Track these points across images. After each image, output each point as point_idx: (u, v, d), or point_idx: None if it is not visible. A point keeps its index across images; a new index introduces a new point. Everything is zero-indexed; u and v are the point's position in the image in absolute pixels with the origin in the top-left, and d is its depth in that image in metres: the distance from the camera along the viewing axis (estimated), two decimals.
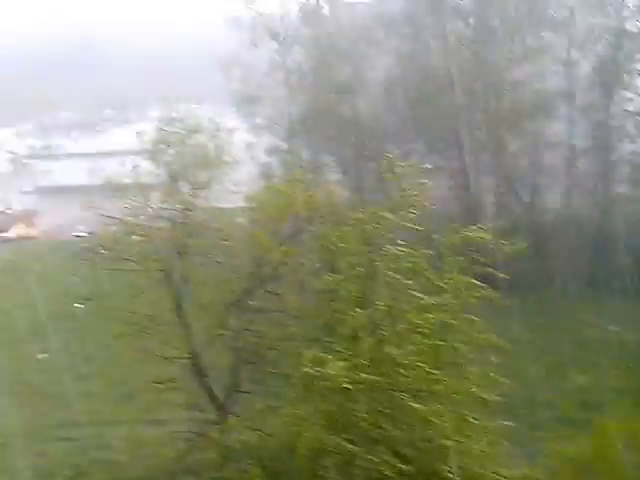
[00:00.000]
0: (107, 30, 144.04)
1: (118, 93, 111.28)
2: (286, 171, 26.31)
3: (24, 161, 73.39)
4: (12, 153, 77.78)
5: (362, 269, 12.97)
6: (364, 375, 11.01)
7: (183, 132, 15.41)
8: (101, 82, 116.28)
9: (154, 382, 16.66)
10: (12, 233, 46.58)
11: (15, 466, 19.60)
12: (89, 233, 38.30)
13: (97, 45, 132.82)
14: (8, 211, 49.92)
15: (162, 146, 15.09)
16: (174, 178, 15.13)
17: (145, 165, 15.58)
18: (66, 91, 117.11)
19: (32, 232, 47.32)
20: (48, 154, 72.94)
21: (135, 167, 15.34)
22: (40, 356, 26.93)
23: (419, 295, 11.95)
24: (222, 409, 15.49)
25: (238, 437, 14.42)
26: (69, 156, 65.92)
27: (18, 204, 52.07)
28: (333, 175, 36.28)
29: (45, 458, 20.05)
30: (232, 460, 14.10)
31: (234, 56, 34.54)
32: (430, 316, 11.64)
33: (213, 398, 15.58)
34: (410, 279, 12.20)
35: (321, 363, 11.34)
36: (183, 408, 17.31)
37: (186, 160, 15.57)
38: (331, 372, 10.79)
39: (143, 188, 15.37)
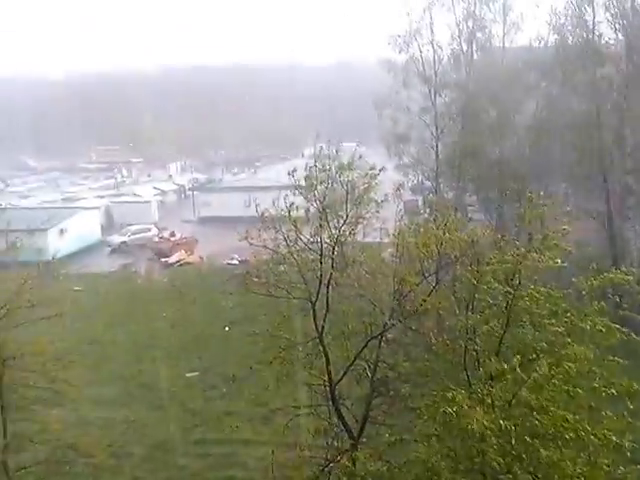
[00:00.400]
0: (272, 70, 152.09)
1: (278, 131, 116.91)
2: (430, 209, 26.51)
3: (188, 193, 78.74)
4: (178, 185, 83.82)
5: (502, 309, 12.91)
6: (498, 418, 10.91)
7: (334, 169, 16.04)
8: (263, 120, 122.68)
9: (292, 406, 17.28)
10: (173, 259, 49.78)
11: (156, 477, 20.95)
12: (241, 261, 40.53)
13: (261, 83, 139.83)
14: (171, 238, 53.50)
15: (313, 182, 15.79)
16: (324, 212, 15.74)
17: (297, 200, 16.33)
18: (231, 129, 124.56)
19: (191, 258, 50.30)
20: (210, 187, 77.63)
21: (286, 200, 16.13)
22: (189, 374, 28.56)
23: (560, 338, 11.73)
24: (354, 438, 15.68)
25: (368, 467, 14.54)
26: (228, 189, 69.75)
27: (180, 232, 55.71)
28: (476, 215, 36.19)
29: (184, 472, 21.27)
30: None
31: (387, 97, 35.65)
32: (570, 365, 11.37)
33: (346, 426, 15.82)
34: (550, 320, 12.00)
35: (456, 402, 11.36)
36: (317, 434, 17.72)
37: (336, 196, 16.17)
38: (468, 413, 10.76)
39: (294, 221, 16.13)
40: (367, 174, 17.51)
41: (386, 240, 17.95)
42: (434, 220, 15.28)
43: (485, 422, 10.77)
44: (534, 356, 12.12)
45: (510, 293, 12.86)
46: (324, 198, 15.68)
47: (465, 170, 34.68)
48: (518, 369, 11.57)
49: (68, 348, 20.50)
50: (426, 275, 14.85)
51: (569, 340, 11.84)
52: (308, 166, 16.05)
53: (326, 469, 15.64)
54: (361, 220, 16.32)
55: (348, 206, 15.71)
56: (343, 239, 15.96)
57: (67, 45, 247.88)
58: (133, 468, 21.43)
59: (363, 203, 16.15)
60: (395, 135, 36.88)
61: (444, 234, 14.24)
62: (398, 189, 20.27)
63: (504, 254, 13.61)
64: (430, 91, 35.72)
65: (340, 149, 18.20)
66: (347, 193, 15.81)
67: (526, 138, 36.64)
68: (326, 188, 15.79)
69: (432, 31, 35.79)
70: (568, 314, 12.06)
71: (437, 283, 14.76)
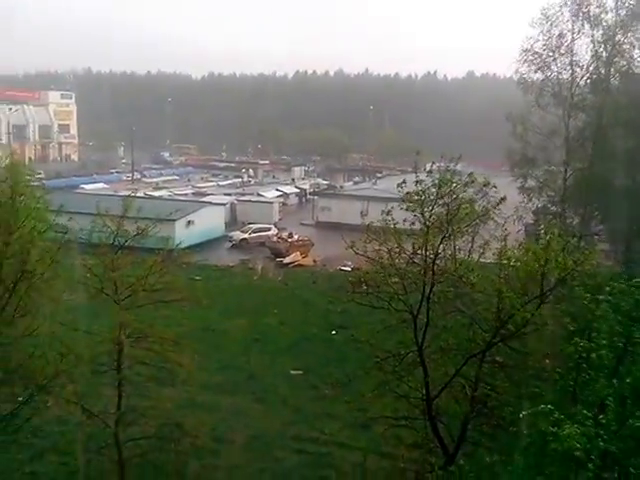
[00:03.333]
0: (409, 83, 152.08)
1: (404, 144, 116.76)
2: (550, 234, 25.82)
3: (309, 197, 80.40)
4: (300, 189, 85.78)
5: (620, 341, 12.60)
6: (602, 444, 10.68)
7: (442, 185, 16.17)
8: (392, 135, 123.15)
9: (389, 417, 17.49)
10: (288, 259, 51.05)
11: (252, 467, 21.73)
12: (353, 268, 41.02)
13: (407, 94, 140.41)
14: (289, 239, 54.87)
15: (420, 197, 16.00)
16: (428, 227, 15.90)
17: (406, 212, 16.55)
18: (356, 138, 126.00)
19: (305, 260, 51.35)
20: (330, 193, 78.84)
21: (392, 213, 16.41)
22: (293, 372, 29.34)
23: None
24: (449, 454, 15.70)
25: None
26: (347, 197, 70.58)
27: (297, 234, 57.03)
28: (601, 245, 34.69)
29: (280, 466, 21.93)
30: None
31: (518, 116, 35.08)
32: None
33: (442, 442, 15.88)
34: None
35: (558, 427, 11.21)
36: (413, 447, 17.83)
37: (447, 211, 16.27)
38: (567, 437, 10.60)
39: (401, 233, 16.39)
40: (483, 192, 17.54)
41: (497, 260, 17.82)
42: (546, 243, 15.02)
43: (582, 446, 10.55)
44: None
45: (629, 325, 12.54)
46: (430, 213, 15.83)
47: (593, 198, 33.41)
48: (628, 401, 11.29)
49: (184, 333, 21.66)
50: (530, 296, 14.63)
51: None
52: (419, 181, 16.27)
53: None
54: (464, 236, 16.38)
55: (453, 223, 15.77)
56: (445, 254, 16.03)
57: (208, 46, 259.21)
58: (232, 454, 22.31)
59: (473, 219, 16.16)
60: (522, 155, 36.14)
61: (549, 256, 14.04)
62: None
63: (630, 286, 13.28)
64: (564, 113, 34.78)
65: (459, 166, 18.24)
66: (448, 210, 15.89)
67: None
68: (433, 203, 15.93)
69: (572, 52, 34.89)
70: None
71: (540, 305, 14.51)
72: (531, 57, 34.98)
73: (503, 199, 17.42)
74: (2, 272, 15.32)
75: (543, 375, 15.41)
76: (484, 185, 16.90)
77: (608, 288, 13.87)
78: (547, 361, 15.86)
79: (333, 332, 33.78)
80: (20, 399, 16.16)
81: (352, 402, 23.38)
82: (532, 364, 15.47)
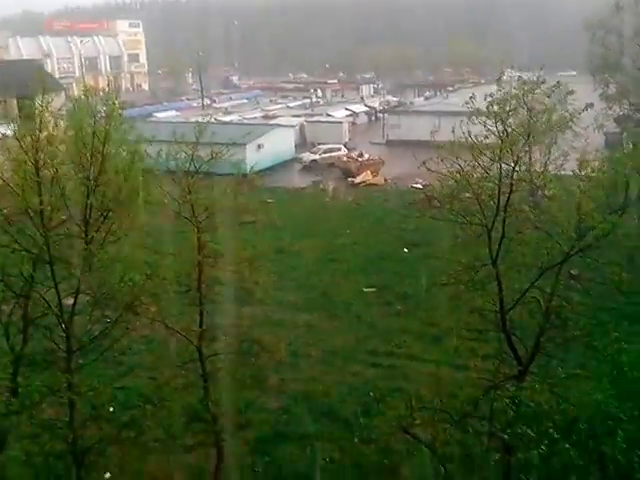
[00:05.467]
0: None
1: (478, 56, 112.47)
2: (634, 142, 24.68)
3: (379, 115, 79.15)
4: (369, 107, 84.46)
5: None
6: None
7: (520, 93, 15.55)
8: (464, 47, 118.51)
9: (462, 329, 17.59)
10: (359, 179, 50.90)
11: (329, 380, 22.48)
12: (424, 186, 40.63)
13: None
14: (359, 159, 54.53)
15: (496, 107, 15.45)
16: (504, 136, 15.41)
17: (478, 127, 16.09)
18: (426, 52, 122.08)
19: (376, 179, 51.09)
20: (400, 110, 77.34)
21: (466, 127, 15.98)
22: (366, 289, 29.77)
23: None
24: (523, 367, 15.73)
25: (535, 397, 14.61)
26: (418, 113, 69.07)
27: (368, 153, 56.55)
28: None
29: (357, 378, 22.60)
30: (524, 417, 14.39)
31: (599, 20, 33.10)
32: None
33: (515, 354, 15.89)
34: None
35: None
36: (485, 359, 17.98)
37: (522, 122, 15.73)
38: None
39: (476, 148, 15.98)
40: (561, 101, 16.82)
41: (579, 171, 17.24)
42: (629, 152, 14.38)
43: None
44: None
45: None
46: (506, 123, 15.29)
47: None
48: None
49: (259, 254, 22.19)
50: (612, 207, 14.14)
51: None
52: (492, 93, 15.69)
53: (491, 392, 15.90)
54: (550, 148, 15.85)
55: (532, 132, 15.22)
56: (522, 165, 15.56)
57: None
58: (309, 368, 23.12)
59: (552, 130, 15.57)
60: (603, 61, 34.24)
61: (634, 164, 13.45)
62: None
63: None
64: None
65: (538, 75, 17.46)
66: (528, 119, 15.29)
67: None
68: (508, 113, 15.36)
69: None
70: None
71: (621, 214, 14.01)
72: None
73: (590, 105, 16.57)
74: (96, 199, 15.90)
75: (622, 288, 15.07)
76: (568, 93, 16.13)
77: None
78: (624, 274, 15.47)
79: (405, 250, 33.85)
80: (109, 320, 17.05)
81: (425, 316, 23.76)
82: (609, 276, 15.12)
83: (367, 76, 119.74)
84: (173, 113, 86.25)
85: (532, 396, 14.34)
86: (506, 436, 13.88)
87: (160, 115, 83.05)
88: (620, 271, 15.44)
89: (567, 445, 11.46)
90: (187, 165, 17.95)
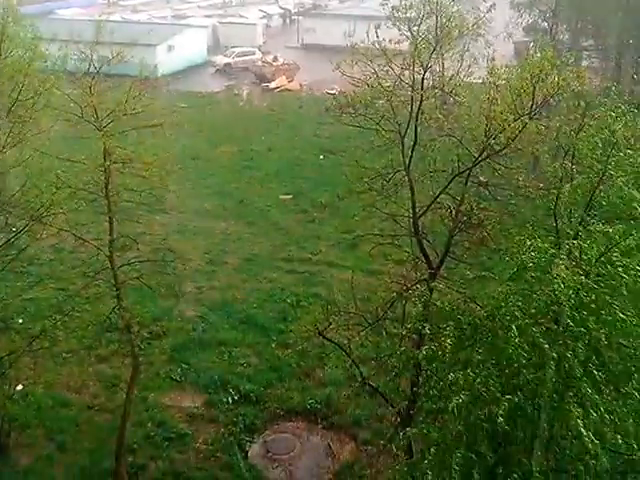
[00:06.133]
0: None
1: None
2: (541, 51, 24.94)
3: (294, 18, 76.79)
4: (284, 9, 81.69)
5: (600, 165, 12.52)
6: (580, 273, 10.91)
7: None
8: None
9: (376, 234, 17.90)
10: (274, 84, 49.76)
11: (246, 287, 22.64)
12: (340, 91, 40.05)
13: None
14: (274, 63, 53.08)
15: (409, 12, 15.24)
16: (415, 42, 15.27)
17: (394, 32, 15.86)
18: None
19: (291, 85, 50.09)
20: (315, 13, 75.25)
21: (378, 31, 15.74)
22: (282, 197, 29.73)
23: None
24: (434, 269, 16.23)
25: (444, 297, 15.17)
26: (334, 17, 67.40)
27: (283, 58, 55.10)
28: (591, 61, 33.80)
29: (272, 284, 22.88)
30: (435, 317, 14.97)
31: None
32: None
33: (427, 257, 16.33)
34: None
35: (541, 250, 11.43)
36: (399, 264, 18.48)
37: (432, 29, 15.57)
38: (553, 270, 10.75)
39: (389, 53, 15.78)
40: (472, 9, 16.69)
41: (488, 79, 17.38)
42: (537, 60, 14.49)
43: (566, 274, 10.78)
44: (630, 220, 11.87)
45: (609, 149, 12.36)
46: (418, 29, 15.12)
47: (585, 11, 31.87)
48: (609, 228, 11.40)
49: (171, 160, 21.49)
50: (522, 114, 14.37)
51: None
52: None
53: (403, 295, 16.41)
54: (452, 54, 15.81)
55: (442, 38, 15.11)
56: (433, 72, 15.50)
57: None
58: (226, 276, 23.19)
59: (452, 34, 15.47)
60: None
61: (540, 73, 13.59)
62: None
63: (617, 107, 12.95)
64: None
65: None
66: (436, 24, 15.17)
67: None
68: (421, 19, 15.17)
69: None
70: None
71: (527, 123, 14.30)
72: None
73: (492, 6, 16.56)
74: None
75: (526, 193, 15.54)
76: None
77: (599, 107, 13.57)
78: (531, 180, 15.94)
79: (321, 157, 33.78)
80: (14, 229, 16.35)
81: (340, 223, 24.02)
82: (516, 182, 15.56)
83: None
84: (77, 10, 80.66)
85: (441, 297, 14.89)
86: (415, 335, 14.41)
87: (62, 12, 77.55)
88: (525, 177, 15.94)
89: (468, 341, 11.97)
90: (87, 66, 16.96)
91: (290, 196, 29.64)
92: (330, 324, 15.41)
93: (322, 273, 23.08)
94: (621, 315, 10.74)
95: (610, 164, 12.34)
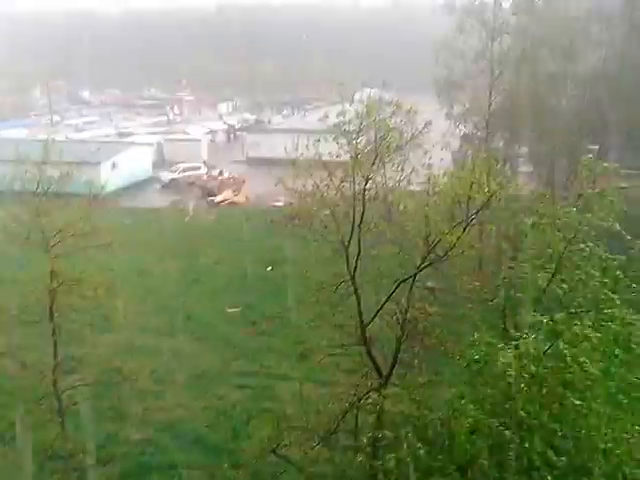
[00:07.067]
0: (326, 11, 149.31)
1: (331, 74, 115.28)
2: (476, 159, 26.30)
3: (238, 133, 79.11)
4: (228, 125, 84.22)
5: (550, 262, 12.99)
6: (531, 365, 11.13)
7: (371, 114, 16.15)
8: (316, 62, 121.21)
9: (326, 345, 17.89)
10: (220, 197, 50.57)
11: (196, 405, 22.03)
12: (285, 204, 40.91)
13: (314, 24, 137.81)
14: (219, 177, 54.15)
15: (348, 126, 15.99)
16: (356, 156, 15.94)
17: (334, 143, 16.53)
18: (284, 70, 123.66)
19: (238, 198, 50.99)
20: (259, 128, 77.76)
21: (317, 144, 16.40)
22: (230, 310, 29.54)
23: (606, 294, 11.85)
24: (384, 378, 16.19)
25: (397, 406, 15.07)
26: (277, 131, 69.71)
27: (228, 172, 56.31)
28: (525, 167, 35.71)
29: (223, 401, 22.30)
30: (388, 426, 14.79)
31: (444, 41, 34.89)
32: (609, 324, 11.53)
33: (376, 366, 16.33)
34: (601, 279, 12.09)
35: (491, 349, 11.64)
36: (350, 373, 18.37)
37: (372, 140, 16.32)
38: (501, 361, 10.98)
39: (330, 165, 16.40)
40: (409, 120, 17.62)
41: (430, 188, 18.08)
42: (472, 167, 15.25)
43: (516, 368, 10.98)
44: (577, 311, 12.26)
45: (563, 244, 12.89)
46: (357, 142, 15.83)
47: (517, 120, 33.93)
48: (558, 321, 11.74)
49: (118, 278, 21.33)
50: (457, 220, 14.94)
51: (614, 298, 11.89)
52: (342, 113, 16.21)
53: (355, 405, 16.23)
54: (392, 165, 16.54)
55: (381, 151, 15.83)
56: (375, 183, 16.12)
57: None
58: (175, 394, 22.51)
59: (399, 147, 16.22)
60: (448, 81, 36.19)
61: (474, 180, 14.28)
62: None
63: (556, 208, 13.64)
64: (487, 36, 34.74)
65: (387, 94, 18.24)
66: (375, 138, 15.94)
67: (584, 91, 35.55)
68: (359, 132, 15.91)
69: None
70: (617, 273, 12.11)
71: (466, 227, 14.84)
72: None
73: (428, 123, 17.55)
74: None
75: (472, 296, 15.95)
76: (408, 111, 16.97)
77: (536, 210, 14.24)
78: (476, 283, 16.40)
79: (269, 268, 34.00)
80: None
81: (289, 335, 23.90)
82: (461, 286, 15.97)
83: (226, 93, 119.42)
84: (20, 131, 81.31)
85: (393, 404, 14.81)
86: (369, 447, 14.20)
87: (5, 133, 78.05)
88: (469, 280, 16.39)
89: (422, 450, 11.86)
90: (35, 186, 17.05)
91: (238, 309, 29.49)
92: (283, 440, 15.08)
93: (273, 386, 22.65)
94: (574, 405, 10.95)
95: (563, 259, 12.89)
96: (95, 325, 23.28)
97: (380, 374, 16.35)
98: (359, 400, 16.24)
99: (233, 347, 26.03)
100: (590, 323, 11.44)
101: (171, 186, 55.64)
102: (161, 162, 63.35)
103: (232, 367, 24.47)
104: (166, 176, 57.10)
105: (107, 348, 22.58)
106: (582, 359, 11.19)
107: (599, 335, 11.35)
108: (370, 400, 15.45)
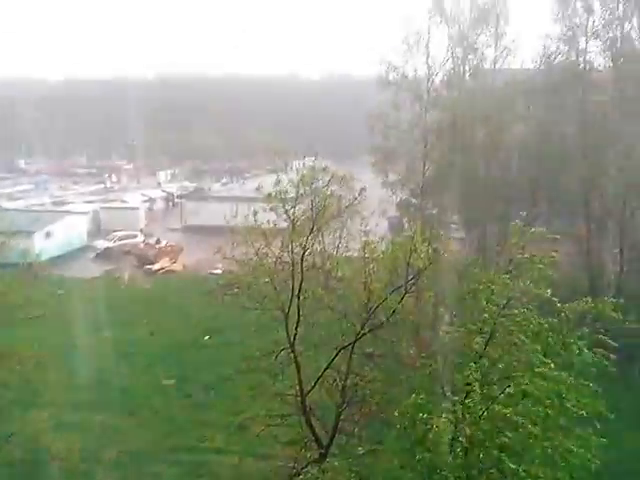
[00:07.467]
0: (264, 83, 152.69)
1: (269, 144, 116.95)
2: (413, 226, 26.88)
3: (177, 201, 78.77)
4: (166, 193, 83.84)
5: (485, 327, 13.15)
6: (466, 430, 11.12)
7: (304, 183, 16.38)
8: (255, 132, 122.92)
9: (264, 416, 17.44)
10: (157, 266, 49.79)
11: None
12: (223, 271, 40.58)
13: (252, 95, 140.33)
14: (156, 245, 53.49)
15: (285, 195, 16.15)
16: (297, 225, 16.05)
17: (272, 212, 16.61)
18: (223, 140, 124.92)
19: (175, 266, 50.31)
20: (198, 196, 77.69)
21: (256, 213, 16.46)
22: (166, 382, 28.63)
23: (537, 356, 12.03)
24: (324, 448, 15.87)
25: (337, 478, 14.71)
26: (216, 199, 69.75)
27: (166, 240, 55.74)
28: (458, 233, 36.69)
29: (155, 479, 21.30)
30: None
31: (378, 114, 35.97)
32: (543, 384, 11.69)
33: (316, 436, 16.02)
34: (531, 342, 12.30)
35: (426, 413, 11.60)
36: (289, 445, 17.89)
37: (310, 208, 16.46)
38: (436, 426, 10.95)
39: (268, 233, 16.43)
40: (347, 188, 17.92)
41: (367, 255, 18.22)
42: (409, 235, 15.53)
43: (453, 432, 10.97)
44: (511, 373, 12.40)
45: (495, 312, 13.10)
46: (293, 211, 15.99)
47: (450, 188, 34.97)
48: (493, 385, 11.82)
49: (48, 351, 20.47)
50: (395, 287, 15.09)
51: (546, 360, 12.10)
52: (279, 182, 16.39)
53: (294, 479, 15.81)
54: (331, 232, 16.70)
55: (318, 219, 15.99)
56: (313, 250, 16.21)
57: (61, 49, 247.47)
58: (105, 473, 21.42)
59: (327, 215, 16.43)
60: (383, 151, 37.09)
61: (412, 246, 14.52)
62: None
63: (488, 274, 13.90)
64: (421, 110, 36.03)
65: (321, 163, 18.51)
66: (312, 206, 16.14)
67: (512, 160, 37.16)
68: (295, 202, 16.09)
69: (428, 51, 36.06)
70: (548, 337, 12.36)
71: (405, 294, 15.00)
72: (389, 57, 35.86)
73: (363, 190, 17.88)
74: None
75: (411, 362, 15.93)
76: (342, 179, 17.26)
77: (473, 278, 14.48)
78: (415, 348, 16.44)
79: (206, 337, 33.32)
80: None
81: (227, 406, 23.23)
82: (400, 352, 15.96)
83: (165, 162, 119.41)
84: None
85: (333, 477, 14.47)
86: None
87: None
88: (408, 346, 16.41)
89: None
90: None
91: (173, 381, 28.63)
92: None
93: (210, 461, 21.85)
94: (511, 469, 10.95)
95: (497, 324, 13.04)
96: (23, 401, 22.19)
97: (320, 444, 16.03)
98: (298, 474, 15.83)
99: (168, 421, 25.06)
100: (526, 384, 11.58)
101: (106, 255, 54.52)
102: (97, 230, 62.24)
103: (167, 442, 23.47)
104: (101, 244, 56.05)
105: (35, 425, 21.44)
106: (519, 419, 11.27)
107: (535, 395, 11.49)
108: (310, 475, 15.07)
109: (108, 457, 22.15)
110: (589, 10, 33.44)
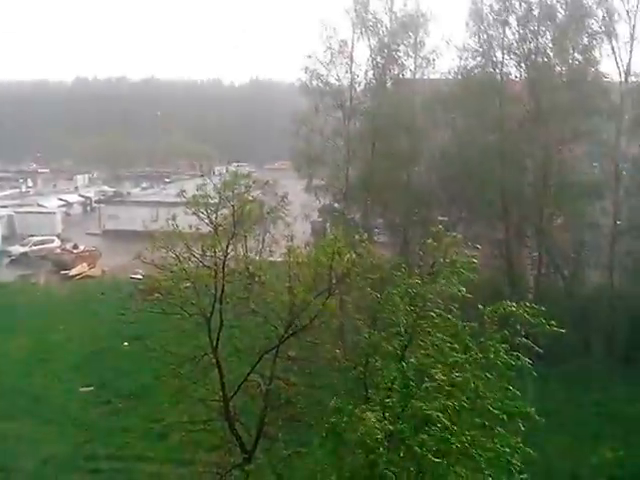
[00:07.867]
0: (187, 87, 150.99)
1: (191, 148, 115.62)
2: (336, 230, 27.13)
3: (95, 205, 76.79)
4: (84, 197, 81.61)
5: (406, 329, 13.37)
6: (388, 426, 11.26)
7: (229, 187, 16.35)
8: (176, 136, 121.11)
9: (186, 422, 17.17)
10: (74, 271, 48.40)
11: None
12: (144, 276, 39.73)
13: (175, 99, 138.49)
14: (74, 250, 52.01)
15: (203, 200, 16.10)
16: (219, 229, 15.98)
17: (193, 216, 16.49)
18: (143, 144, 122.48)
19: (93, 271, 49.08)
20: (117, 200, 76.04)
21: (175, 217, 16.34)
22: (83, 389, 27.82)
23: (452, 353, 12.29)
24: (248, 453, 15.79)
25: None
26: (136, 203, 68.43)
27: (84, 244, 54.27)
28: (381, 237, 37.35)
29: None
30: None
31: (301, 119, 36.18)
32: (456, 374, 11.92)
33: (239, 441, 15.91)
34: (449, 342, 12.57)
35: (350, 414, 11.69)
36: (212, 450, 17.71)
37: (231, 212, 16.42)
38: (365, 422, 11.03)
39: (189, 237, 16.28)
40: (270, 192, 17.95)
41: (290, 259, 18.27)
42: (332, 238, 15.65)
43: (375, 430, 11.07)
44: (429, 369, 12.64)
45: (414, 314, 13.33)
46: (215, 216, 15.94)
47: (372, 194, 35.49)
48: (411, 381, 12.02)
49: None
50: (319, 291, 15.19)
51: (463, 356, 12.37)
52: (201, 186, 16.32)
53: None
54: (253, 236, 16.73)
55: (240, 223, 15.98)
56: (236, 254, 16.18)
57: None
58: None
59: (249, 220, 16.46)
60: (307, 157, 37.29)
61: (335, 250, 14.66)
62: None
63: (410, 277, 14.13)
64: (344, 116, 36.44)
65: (242, 168, 18.52)
66: (233, 211, 16.14)
67: (433, 166, 38.03)
68: (217, 206, 16.04)
69: (351, 59, 36.50)
70: (466, 338, 12.66)
71: (328, 298, 15.11)
72: (312, 64, 36.10)
73: (285, 196, 17.96)
74: None
75: (334, 365, 16.03)
76: (265, 184, 17.30)
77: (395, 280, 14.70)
78: (338, 351, 16.54)
79: (125, 344, 32.56)
80: None
81: (147, 413, 22.78)
82: (323, 355, 16.06)
83: (82, 166, 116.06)
84: None
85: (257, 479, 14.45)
86: None
87: None
88: (331, 349, 16.51)
89: None
90: None
91: (91, 388, 27.87)
92: None
93: (130, 469, 21.36)
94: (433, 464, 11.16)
95: (415, 326, 13.26)
96: None
97: (244, 449, 15.93)
98: (221, 478, 15.69)
99: (85, 429, 24.34)
100: (443, 378, 11.79)
101: (22, 260, 52.67)
102: (12, 236, 60.02)
103: (84, 450, 22.79)
104: (16, 250, 54.12)
105: None
106: (433, 413, 11.45)
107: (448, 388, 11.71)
108: (233, 478, 14.98)
109: (22, 467, 21.38)
110: (504, 23, 34.66)
